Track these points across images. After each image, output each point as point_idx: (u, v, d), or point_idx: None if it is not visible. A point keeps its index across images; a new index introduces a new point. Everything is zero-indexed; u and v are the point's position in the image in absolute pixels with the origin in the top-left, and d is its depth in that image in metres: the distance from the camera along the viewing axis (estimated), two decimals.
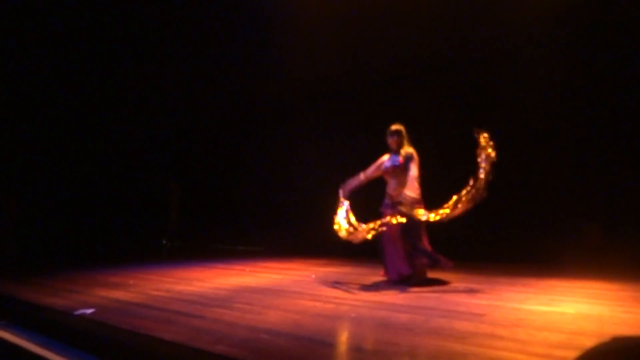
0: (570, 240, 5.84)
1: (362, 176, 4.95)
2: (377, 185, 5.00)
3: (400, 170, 4.76)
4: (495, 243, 6.38)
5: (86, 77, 9.65)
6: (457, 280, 4.70)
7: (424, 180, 4.74)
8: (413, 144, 4.93)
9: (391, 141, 4.86)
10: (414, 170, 4.66)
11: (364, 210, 4.97)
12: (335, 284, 4.66)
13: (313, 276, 5.29)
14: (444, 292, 4.08)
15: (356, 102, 7.86)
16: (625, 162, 5.75)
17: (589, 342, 2.32)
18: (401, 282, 4.56)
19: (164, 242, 10.59)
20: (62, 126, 9.75)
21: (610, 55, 5.94)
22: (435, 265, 4.56)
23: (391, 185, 4.86)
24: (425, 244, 4.69)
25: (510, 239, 6.28)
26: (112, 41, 9.30)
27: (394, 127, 4.88)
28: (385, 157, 4.94)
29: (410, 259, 4.60)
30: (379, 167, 4.94)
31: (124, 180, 10.43)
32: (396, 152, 4.85)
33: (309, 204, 8.53)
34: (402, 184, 4.74)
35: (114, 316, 3.24)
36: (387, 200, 4.86)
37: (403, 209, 4.58)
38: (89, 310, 3.41)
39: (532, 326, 2.75)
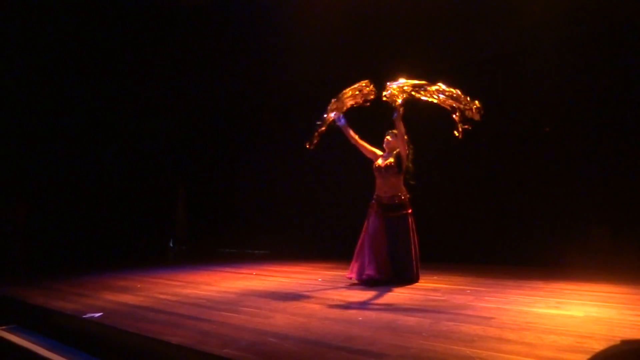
0: (578, 243, 5.80)
1: (356, 137, 5.02)
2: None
3: (392, 172, 4.79)
4: (502, 246, 6.36)
5: (93, 81, 9.72)
6: (464, 283, 4.68)
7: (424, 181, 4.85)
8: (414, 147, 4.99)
9: (388, 141, 4.92)
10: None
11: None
12: (342, 287, 4.66)
13: (320, 279, 5.29)
14: (452, 294, 4.06)
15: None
16: (634, 163, 5.70)
17: (598, 346, 2.31)
18: (367, 283, 4.65)
19: (171, 245, 10.65)
20: (70, 130, 9.81)
21: (617, 55, 5.90)
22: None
23: (381, 186, 4.90)
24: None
25: (517, 242, 6.25)
26: (120, 45, 9.36)
27: (395, 130, 4.93)
28: (378, 152, 5.01)
29: (386, 262, 4.72)
30: (371, 152, 5.01)
31: (131, 184, 10.48)
32: (389, 153, 4.90)
33: (316, 208, 8.54)
34: (394, 186, 4.81)
35: (121, 320, 3.25)
36: (374, 200, 4.93)
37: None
38: (97, 314, 3.43)
39: (541, 329, 2.73)
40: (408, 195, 4.92)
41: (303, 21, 7.44)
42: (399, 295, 4.13)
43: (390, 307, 3.56)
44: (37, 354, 3.00)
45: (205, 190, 10.80)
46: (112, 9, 8.54)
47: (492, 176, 6.69)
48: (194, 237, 10.75)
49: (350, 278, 4.86)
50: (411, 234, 4.81)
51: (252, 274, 5.97)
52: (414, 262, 4.79)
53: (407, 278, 4.72)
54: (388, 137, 4.93)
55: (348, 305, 3.68)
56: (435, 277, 5.07)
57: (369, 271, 4.67)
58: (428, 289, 4.42)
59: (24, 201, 8.55)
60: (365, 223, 4.92)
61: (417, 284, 4.71)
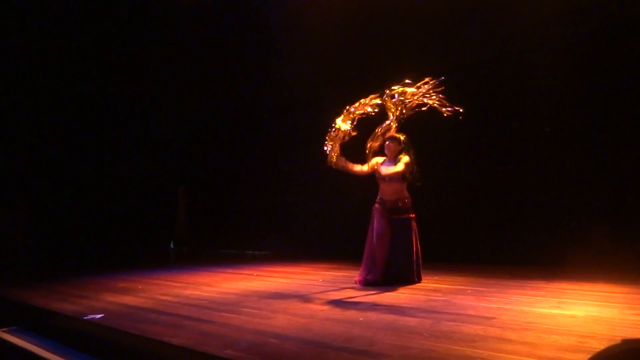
0: (579, 243, 5.80)
1: (356, 168, 4.95)
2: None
3: (396, 180, 4.78)
4: (503, 246, 6.35)
5: (95, 84, 9.73)
6: (465, 283, 4.68)
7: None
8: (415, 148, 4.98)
9: (388, 146, 4.87)
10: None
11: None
12: (343, 287, 4.66)
13: (321, 280, 5.29)
14: (453, 295, 4.06)
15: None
16: (635, 163, 5.70)
17: (599, 345, 2.31)
18: (369, 285, 4.65)
19: (172, 247, 10.65)
20: (72, 133, 9.83)
21: (617, 55, 5.90)
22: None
23: (385, 191, 4.87)
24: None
25: (518, 242, 6.24)
26: (121, 49, 9.37)
27: (394, 133, 4.90)
28: (380, 160, 4.95)
29: (388, 265, 4.71)
30: (373, 166, 4.93)
31: (132, 186, 10.49)
32: (391, 158, 4.86)
33: (317, 208, 8.54)
34: (398, 191, 4.79)
35: (122, 321, 3.26)
36: (378, 205, 4.89)
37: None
38: (98, 315, 3.43)
39: (542, 329, 2.73)
40: (411, 200, 4.91)
41: (303, 24, 7.44)
42: (400, 295, 4.13)
43: (391, 308, 3.56)
44: (38, 356, 2.99)
45: (206, 191, 10.81)
46: (115, 11, 8.55)
47: (492, 176, 6.69)
48: (195, 238, 10.75)
49: (357, 282, 4.84)
50: (414, 238, 4.81)
51: (252, 274, 5.97)
52: (415, 266, 4.79)
53: (408, 280, 4.72)
54: (387, 142, 4.90)
55: (349, 306, 3.69)
56: (436, 278, 5.07)
57: (370, 275, 4.71)
58: (429, 289, 4.42)
59: (27, 202, 8.56)
60: (370, 226, 4.89)
61: (418, 284, 4.71)
